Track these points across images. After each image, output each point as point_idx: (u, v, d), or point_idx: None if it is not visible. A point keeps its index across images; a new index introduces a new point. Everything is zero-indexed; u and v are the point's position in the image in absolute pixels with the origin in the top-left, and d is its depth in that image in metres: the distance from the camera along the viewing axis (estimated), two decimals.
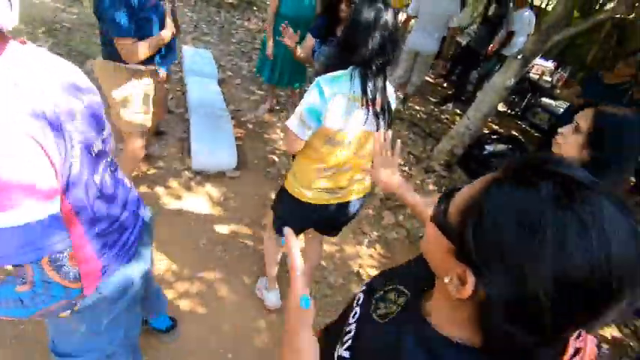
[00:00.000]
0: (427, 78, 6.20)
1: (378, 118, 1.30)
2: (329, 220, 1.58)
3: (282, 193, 1.53)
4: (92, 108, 0.82)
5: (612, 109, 0.97)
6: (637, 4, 2.60)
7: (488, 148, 3.43)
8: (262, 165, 2.89)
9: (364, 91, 1.23)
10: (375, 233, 2.62)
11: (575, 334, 0.45)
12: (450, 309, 0.48)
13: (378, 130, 1.31)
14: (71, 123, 0.72)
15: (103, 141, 0.87)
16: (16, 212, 0.60)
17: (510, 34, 4.35)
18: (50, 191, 0.65)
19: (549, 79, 5.48)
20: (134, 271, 0.98)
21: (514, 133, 5.20)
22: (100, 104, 0.88)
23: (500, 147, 3.41)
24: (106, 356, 1.06)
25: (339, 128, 1.27)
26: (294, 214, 1.52)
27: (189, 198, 2.39)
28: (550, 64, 5.47)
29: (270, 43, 2.90)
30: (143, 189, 2.32)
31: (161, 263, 1.93)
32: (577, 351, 0.45)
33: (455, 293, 0.44)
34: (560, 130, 1.03)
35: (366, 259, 2.40)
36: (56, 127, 0.67)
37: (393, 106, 1.39)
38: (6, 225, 0.60)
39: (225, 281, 1.96)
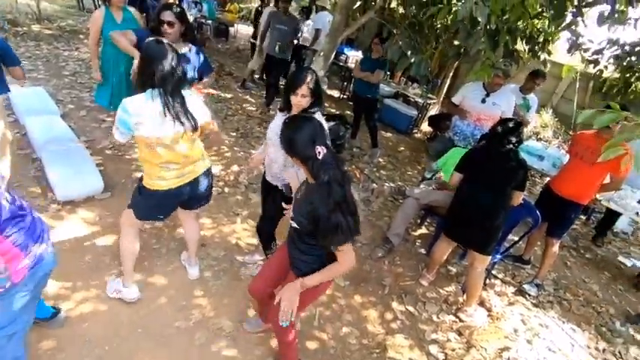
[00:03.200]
0: None
1: (183, 123, 1.73)
2: (190, 196, 2.02)
3: (142, 190, 1.89)
4: None
5: None
6: (385, 12, 3.76)
7: None
8: (130, 183, 3.14)
9: (167, 107, 1.67)
10: (246, 212, 3.19)
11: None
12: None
13: (186, 130, 1.76)
14: None
15: None
16: None
17: (317, 32, 5.50)
18: None
19: None
20: (53, 262, 1.35)
21: (348, 112, 6.42)
22: None
23: (330, 124, 4.36)
24: (7, 336, 1.31)
25: (151, 135, 1.68)
26: (158, 203, 1.92)
27: (63, 226, 2.54)
28: (361, 54, 6.88)
29: (95, 66, 3.07)
30: None
31: (52, 285, 2.12)
32: (319, 152, 1.39)
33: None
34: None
35: (241, 232, 2.96)
36: None
37: (193, 109, 1.80)
38: None
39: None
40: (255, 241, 2.88)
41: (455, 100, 3.52)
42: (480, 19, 2.42)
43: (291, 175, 1.96)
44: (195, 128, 1.80)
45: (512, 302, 2.96)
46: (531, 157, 4.38)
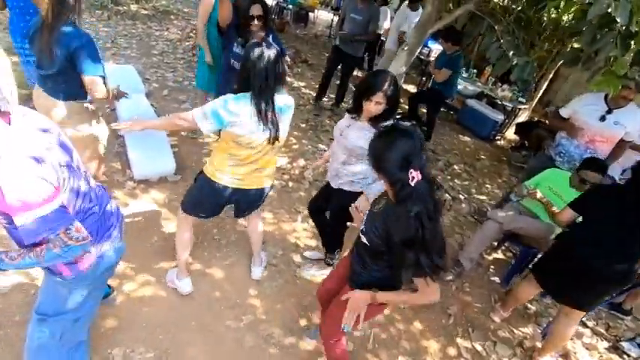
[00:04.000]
0: None
1: (270, 130, 1.69)
2: (236, 202, 1.98)
3: (200, 176, 1.90)
4: (60, 140, 1.13)
5: None
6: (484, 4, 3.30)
7: None
8: (199, 167, 3.15)
9: (259, 110, 1.63)
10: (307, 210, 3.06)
11: None
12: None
13: (273, 140, 1.73)
14: (52, 154, 1.04)
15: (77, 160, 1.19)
16: (47, 206, 0.97)
17: (402, 33, 5.06)
18: (56, 194, 1.00)
19: None
20: (117, 256, 1.33)
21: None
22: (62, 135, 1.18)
23: (405, 124, 4.04)
24: (73, 320, 1.34)
25: (241, 134, 1.66)
26: (206, 194, 1.88)
27: (136, 204, 2.64)
28: None
29: (206, 49, 3.04)
30: None
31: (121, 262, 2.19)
32: (412, 178, 1.19)
33: (379, 178, 1.31)
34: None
35: (301, 232, 2.85)
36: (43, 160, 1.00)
37: (285, 124, 1.79)
38: (45, 212, 0.97)
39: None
40: (314, 242, 2.77)
41: (564, 112, 2.94)
42: (618, 20, 1.95)
43: (363, 200, 1.92)
44: (276, 138, 1.75)
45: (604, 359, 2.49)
46: None
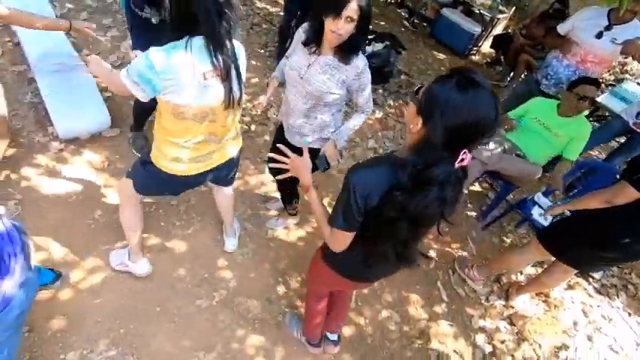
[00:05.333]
0: None
1: (232, 87, 1.25)
2: (212, 180, 1.65)
3: (148, 166, 1.44)
4: None
5: None
6: None
7: (368, 49, 3.55)
8: None
9: (212, 63, 1.15)
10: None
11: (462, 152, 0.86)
12: (409, 143, 0.95)
13: (231, 100, 1.26)
14: None
15: None
16: None
17: None
18: None
19: None
20: (8, 286, 0.98)
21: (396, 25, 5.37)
22: None
23: (378, 46, 3.55)
24: None
25: (184, 103, 1.20)
26: (167, 183, 1.48)
27: (66, 171, 2.19)
28: None
29: None
30: (4, 176, 2.05)
31: (58, 249, 1.86)
32: (462, 160, 0.87)
33: (413, 129, 0.89)
34: None
35: (270, 185, 2.56)
36: None
37: (243, 68, 1.35)
38: None
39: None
40: None
41: (561, 29, 2.60)
42: None
43: (330, 149, 1.61)
44: (241, 96, 1.33)
45: (572, 285, 2.60)
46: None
